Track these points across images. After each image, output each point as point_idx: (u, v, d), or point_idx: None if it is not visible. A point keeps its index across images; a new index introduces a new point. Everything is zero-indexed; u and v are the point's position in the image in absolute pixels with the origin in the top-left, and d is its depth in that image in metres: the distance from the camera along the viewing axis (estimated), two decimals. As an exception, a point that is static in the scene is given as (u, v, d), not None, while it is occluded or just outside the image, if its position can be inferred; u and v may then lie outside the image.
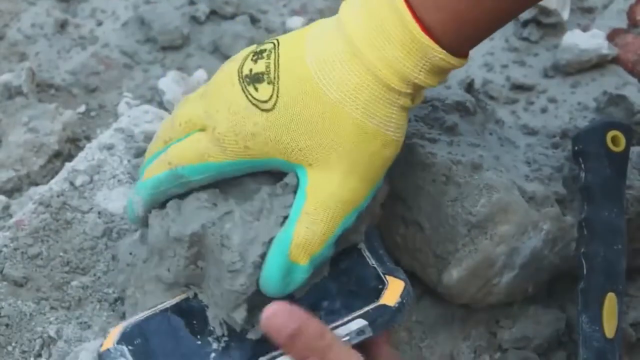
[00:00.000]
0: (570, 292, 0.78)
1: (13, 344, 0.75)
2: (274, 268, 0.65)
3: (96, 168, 0.86)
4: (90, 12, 1.11)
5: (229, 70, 0.69)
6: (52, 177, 0.88)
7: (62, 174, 0.86)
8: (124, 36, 1.08)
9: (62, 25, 1.08)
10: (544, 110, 1.01)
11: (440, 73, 0.67)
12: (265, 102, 0.66)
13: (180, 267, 0.70)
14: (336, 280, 0.70)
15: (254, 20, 1.09)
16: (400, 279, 0.70)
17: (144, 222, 0.73)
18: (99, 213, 0.83)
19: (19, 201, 0.88)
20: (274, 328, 0.62)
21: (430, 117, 0.80)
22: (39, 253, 0.80)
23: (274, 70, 0.66)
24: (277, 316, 0.62)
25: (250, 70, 0.67)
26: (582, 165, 0.78)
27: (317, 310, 0.68)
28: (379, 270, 0.70)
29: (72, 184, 0.85)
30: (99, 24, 1.09)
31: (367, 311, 0.68)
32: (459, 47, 0.66)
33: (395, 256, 0.76)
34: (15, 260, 0.79)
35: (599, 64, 1.05)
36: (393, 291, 0.69)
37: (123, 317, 0.76)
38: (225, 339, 0.68)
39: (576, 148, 0.79)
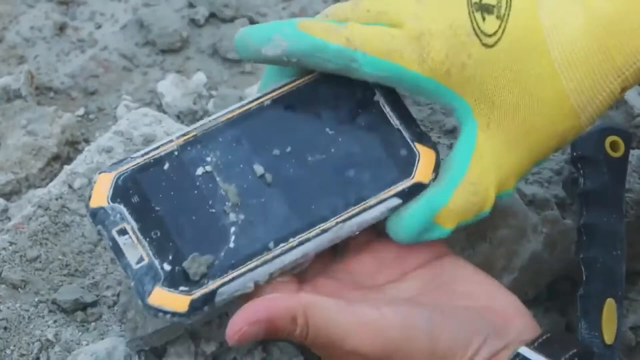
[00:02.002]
0: (570, 295, 0.78)
1: (11, 347, 0.74)
2: (415, 223, 0.62)
3: (95, 171, 0.86)
4: (89, 15, 1.11)
5: None
6: (51, 180, 0.88)
7: (61, 177, 0.86)
8: (123, 39, 1.08)
9: (61, 28, 1.08)
10: (543, 114, 1.01)
11: None
12: (489, 36, 0.62)
13: None
14: (358, 141, 0.63)
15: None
16: (430, 147, 0.63)
17: (256, 57, 0.65)
18: (98, 216, 0.83)
19: (18, 204, 0.87)
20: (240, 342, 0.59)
21: (430, 120, 0.80)
22: (37, 256, 0.80)
23: (505, 8, 0.62)
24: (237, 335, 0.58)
25: None
26: (581, 171, 0.78)
27: (344, 182, 0.61)
28: (406, 136, 0.63)
29: (70, 186, 0.85)
30: (98, 27, 1.09)
31: (403, 190, 0.62)
32: None
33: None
34: (14, 263, 0.79)
35: (598, 67, 1.05)
36: (425, 164, 0.62)
37: (120, 319, 0.76)
38: (243, 210, 0.60)
39: (575, 154, 0.79)
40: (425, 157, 0.62)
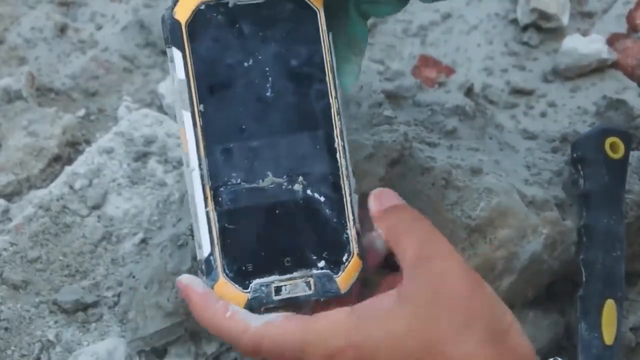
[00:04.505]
0: (570, 296, 0.78)
1: (12, 348, 0.75)
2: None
3: (96, 172, 0.86)
4: (90, 16, 1.11)
5: None
6: (52, 181, 0.88)
7: (62, 177, 0.86)
8: (123, 40, 1.08)
9: (62, 29, 1.08)
10: (543, 115, 1.01)
11: None
12: None
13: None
14: None
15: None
16: None
17: None
18: (99, 217, 0.83)
19: (19, 205, 0.88)
20: (377, 200, 0.61)
21: (430, 121, 0.80)
22: (38, 257, 0.80)
23: None
24: (383, 193, 0.62)
25: None
26: (581, 172, 0.78)
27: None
28: None
29: (71, 187, 0.85)
30: (99, 28, 1.09)
31: None
32: None
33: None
34: (15, 264, 0.79)
35: (598, 68, 1.05)
36: None
37: (121, 320, 0.76)
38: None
39: (575, 155, 0.79)
40: None
